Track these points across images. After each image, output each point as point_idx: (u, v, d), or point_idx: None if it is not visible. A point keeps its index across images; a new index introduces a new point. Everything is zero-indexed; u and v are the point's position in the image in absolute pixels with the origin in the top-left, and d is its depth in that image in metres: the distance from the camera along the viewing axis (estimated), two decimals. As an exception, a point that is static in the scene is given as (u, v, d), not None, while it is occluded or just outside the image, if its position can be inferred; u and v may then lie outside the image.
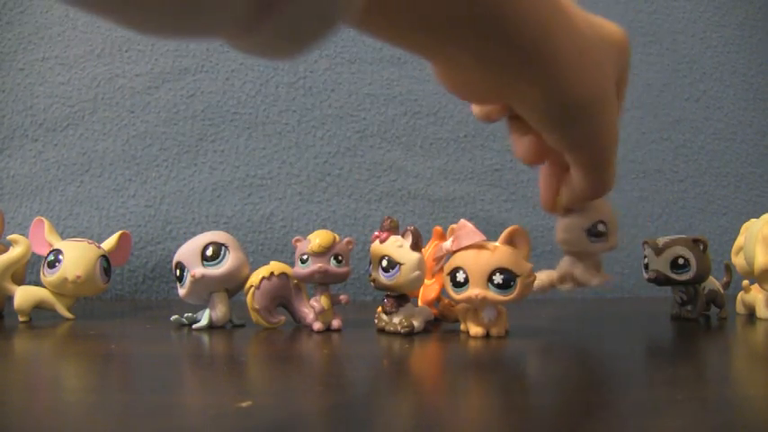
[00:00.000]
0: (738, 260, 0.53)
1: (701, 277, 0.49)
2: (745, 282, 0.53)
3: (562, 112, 0.27)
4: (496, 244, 0.41)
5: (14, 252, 0.51)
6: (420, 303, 0.48)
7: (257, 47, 0.18)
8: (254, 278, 0.46)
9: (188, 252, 0.46)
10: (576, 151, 0.30)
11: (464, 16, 0.23)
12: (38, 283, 0.52)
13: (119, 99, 0.74)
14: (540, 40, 0.24)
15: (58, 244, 0.52)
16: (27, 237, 0.53)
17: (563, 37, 0.25)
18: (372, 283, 0.45)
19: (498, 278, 0.40)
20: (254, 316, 0.46)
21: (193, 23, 0.16)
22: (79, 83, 0.74)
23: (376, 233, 0.45)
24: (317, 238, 0.44)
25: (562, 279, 0.44)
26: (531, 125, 0.28)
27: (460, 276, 0.41)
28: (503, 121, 0.33)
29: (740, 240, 0.53)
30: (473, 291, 0.40)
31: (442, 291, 0.46)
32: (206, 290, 0.46)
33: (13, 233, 0.52)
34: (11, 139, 0.74)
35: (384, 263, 0.43)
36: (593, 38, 0.27)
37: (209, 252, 0.46)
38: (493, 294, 0.40)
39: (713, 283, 0.52)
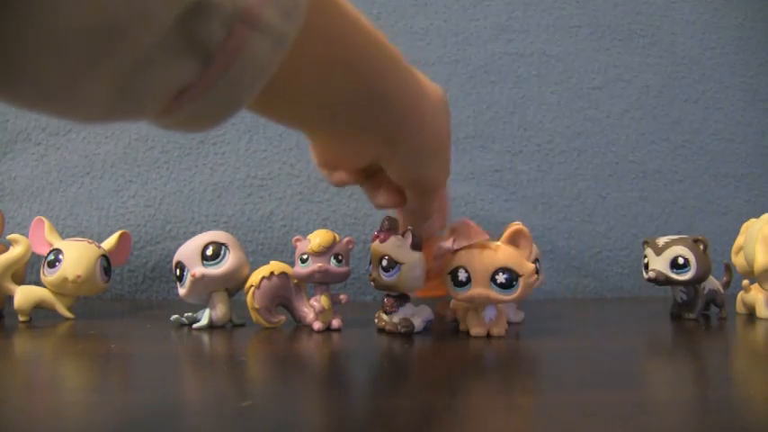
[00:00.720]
0: (738, 260, 0.53)
1: (701, 277, 0.49)
2: (745, 281, 0.53)
3: (417, 161, 0.34)
4: (499, 243, 0.41)
5: (14, 252, 0.51)
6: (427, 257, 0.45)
7: (173, 126, 0.22)
8: (255, 278, 0.46)
9: (188, 252, 0.46)
10: (417, 185, 0.37)
11: (348, 102, 0.28)
12: (38, 283, 0.52)
13: (120, 100, 0.74)
14: (407, 113, 0.31)
15: (58, 244, 0.52)
16: (27, 236, 0.53)
17: (424, 107, 0.32)
18: (372, 283, 0.45)
19: (501, 278, 0.40)
20: (254, 315, 0.46)
21: (119, 116, 0.19)
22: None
23: (376, 233, 0.45)
24: (317, 238, 0.44)
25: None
26: (390, 173, 0.35)
27: (462, 275, 0.41)
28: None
29: (740, 240, 0.53)
30: (476, 290, 0.40)
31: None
32: (206, 289, 0.46)
33: (13, 233, 0.52)
34: (14, 143, 0.74)
35: (384, 262, 0.43)
36: (437, 100, 0.34)
37: (210, 252, 0.46)
38: (495, 294, 0.40)
39: (713, 282, 0.52)
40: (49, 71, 0.16)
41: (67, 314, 0.52)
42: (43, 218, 0.54)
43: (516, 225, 0.42)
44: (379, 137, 0.32)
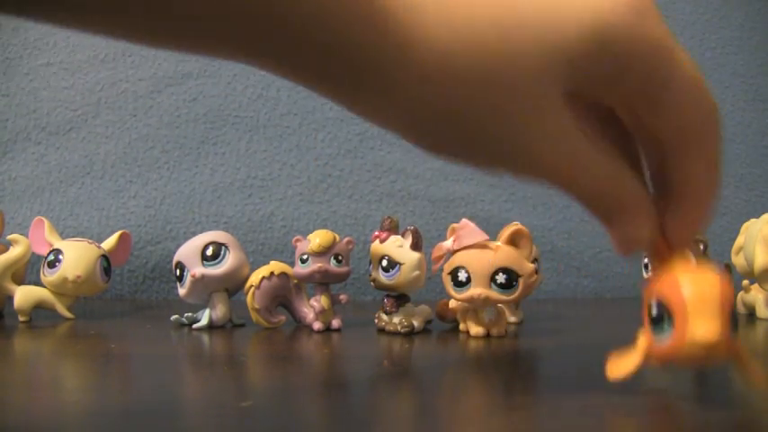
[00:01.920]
0: (738, 260, 0.53)
1: (700, 277, 0.49)
2: (745, 282, 0.53)
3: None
4: (499, 243, 0.41)
5: (14, 252, 0.51)
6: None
7: None
8: (255, 278, 0.46)
9: (188, 252, 0.46)
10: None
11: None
12: (38, 283, 0.52)
13: (121, 103, 0.74)
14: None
15: (58, 244, 0.52)
16: (27, 236, 0.53)
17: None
18: (372, 283, 0.45)
19: (501, 278, 0.40)
20: (254, 316, 0.46)
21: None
22: (83, 87, 0.74)
23: (376, 233, 0.45)
24: (317, 238, 0.44)
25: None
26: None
27: (462, 276, 0.41)
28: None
29: (740, 240, 0.53)
30: (475, 290, 0.40)
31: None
32: (206, 290, 0.46)
33: (13, 233, 0.52)
34: (14, 143, 0.74)
35: (384, 263, 0.43)
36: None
37: (210, 252, 0.46)
38: (495, 294, 0.40)
39: (713, 283, 0.52)
40: None
41: (67, 314, 0.52)
42: (43, 218, 0.54)
43: (516, 225, 0.42)
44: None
